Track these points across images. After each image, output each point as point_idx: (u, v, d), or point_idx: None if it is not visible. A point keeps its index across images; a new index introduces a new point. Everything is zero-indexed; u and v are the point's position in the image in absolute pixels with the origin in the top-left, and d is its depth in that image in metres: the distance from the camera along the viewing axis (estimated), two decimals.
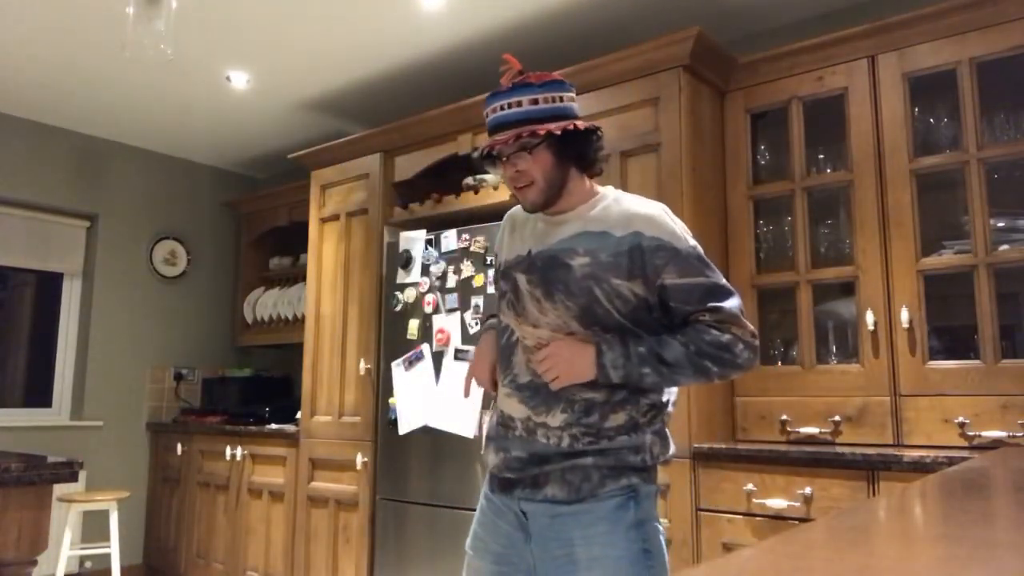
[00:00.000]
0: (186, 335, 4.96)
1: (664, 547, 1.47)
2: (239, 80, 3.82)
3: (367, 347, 3.54)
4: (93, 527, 4.33)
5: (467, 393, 1.68)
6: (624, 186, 2.70)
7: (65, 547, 3.74)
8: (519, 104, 1.46)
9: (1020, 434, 2.18)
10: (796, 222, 2.69)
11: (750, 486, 2.35)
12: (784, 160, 2.77)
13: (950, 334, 2.48)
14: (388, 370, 3.35)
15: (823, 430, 2.51)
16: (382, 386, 3.41)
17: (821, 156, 2.72)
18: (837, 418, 2.49)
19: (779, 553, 0.66)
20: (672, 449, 1.55)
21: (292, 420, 4.13)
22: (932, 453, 2.13)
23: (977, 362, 2.30)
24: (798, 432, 2.55)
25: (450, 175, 3.55)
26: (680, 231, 1.49)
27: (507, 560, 1.51)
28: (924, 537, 0.80)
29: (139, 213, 4.81)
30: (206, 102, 4.12)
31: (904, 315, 2.41)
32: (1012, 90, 2.45)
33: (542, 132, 1.44)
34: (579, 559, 1.42)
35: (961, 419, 2.27)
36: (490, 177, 3.30)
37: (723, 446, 2.44)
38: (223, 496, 4.15)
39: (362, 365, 3.52)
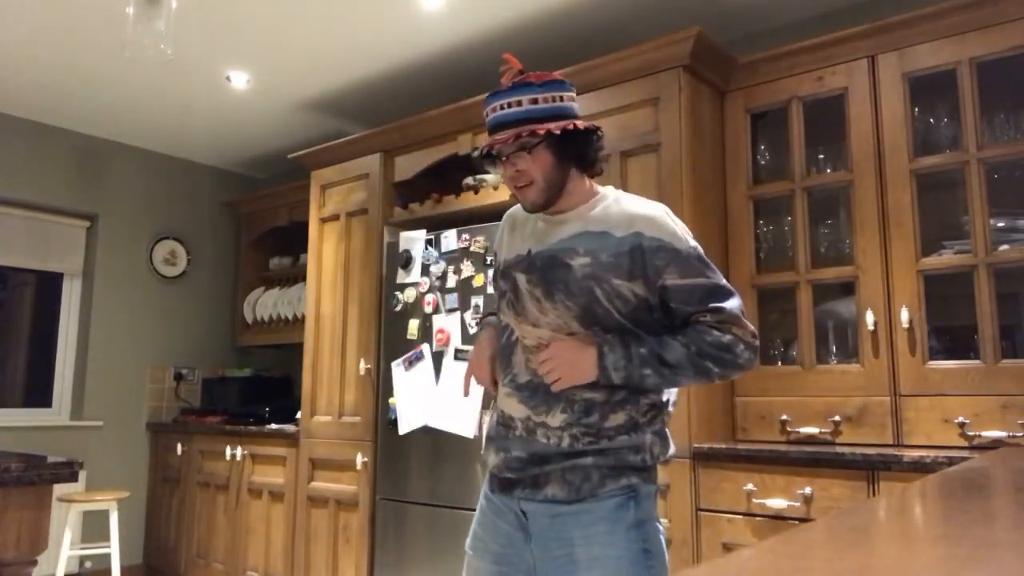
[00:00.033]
0: (186, 335, 4.96)
1: (664, 547, 1.48)
2: (239, 80, 3.82)
3: (367, 347, 3.54)
4: (93, 527, 4.33)
5: (467, 392, 1.68)
6: (624, 186, 2.70)
7: (65, 547, 3.74)
8: (519, 103, 1.46)
9: (1020, 434, 2.18)
10: (796, 222, 2.69)
11: (750, 486, 2.35)
12: (784, 160, 2.77)
13: (950, 334, 2.48)
14: (388, 370, 3.35)
15: (823, 430, 2.51)
16: (382, 386, 3.41)
17: (821, 156, 2.72)
18: (837, 418, 2.49)
19: (779, 553, 0.66)
20: (672, 449, 1.55)
21: (292, 420, 4.13)
22: (932, 453, 2.13)
23: (977, 362, 2.30)
24: (798, 432, 2.55)
25: (450, 175, 3.55)
26: (681, 232, 1.49)
27: (507, 560, 1.51)
28: (924, 537, 0.80)
29: (139, 213, 4.81)
30: (206, 102, 4.12)
31: (904, 315, 2.41)
32: (1012, 90, 2.45)
33: (541, 132, 1.44)
34: (579, 559, 1.42)
35: (961, 419, 2.27)
36: (490, 177, 3.30)
37: (723, 446, 2.44)
38: (223, 496, 4.15)
39: (362, 365, 3.52)
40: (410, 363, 3.26)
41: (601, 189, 1.57)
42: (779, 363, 2.74)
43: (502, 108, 1.47)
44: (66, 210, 4.54)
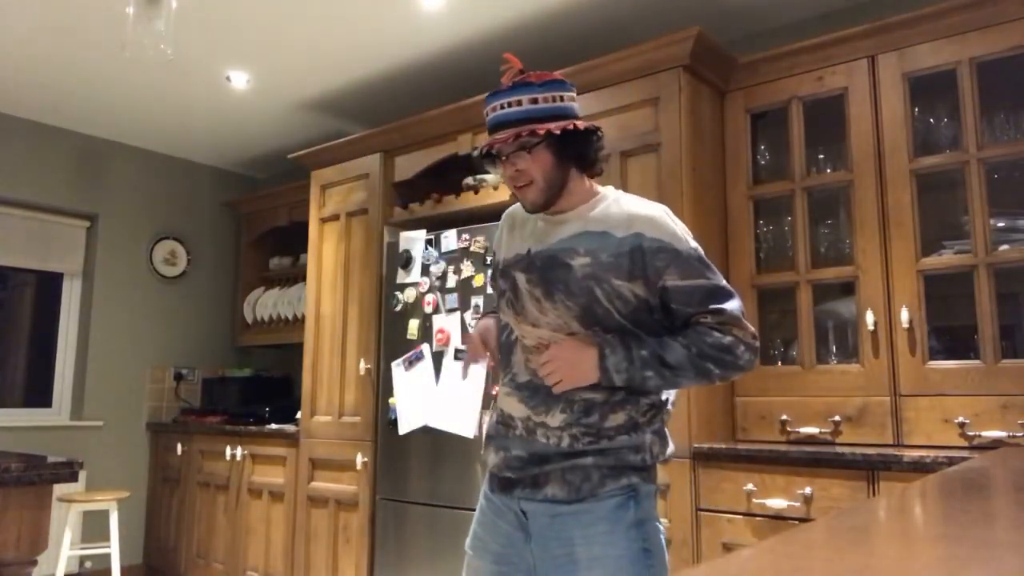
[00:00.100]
0: (186, 335, 4.96)
1: (664, 546, 1.48)
2: (239, 80, 3.82)
3: (367, 347, 3.54)
4: (93, 527, 4.33)
5: (465, 374, 1.68)
6: (624, 186, 2.70)
7: (65, 547, 3.74)
8: (519, 103, 1.46)
9: (1020, 434, 2.18)
10: (796, 222, 2.69)
11: (750, 486, 2.35)
12: (784, 160, 2.77)
13: (950, 334, 2.48)
14: (388, 370, 3.35)
15: (823, 430, 2.51)
16: (382, 386, 3.41)
17: (821, 156, 2.72)
18: (837, 418, 2.49)
19: (779, 553, 0.66)
20: (671, 448, 1.55)
21: (292, 420, 4.13)
22: (932, 453, 2.13)
23: (977, 362, 2.30)
24: (798, 432, 2.55)
25: (450, 175, 3.55)
26: (681, 233, 1.49)
27: (507, 560, 1.51)
28: (924, 537, 0.80)
29: (139, 213, 4.81)
30: (206, 102, 4.12)
31: (904, 315, 2.41)
32: (1012, 90, 2.45)
33: (541, 132, 1.44)
34: (579, 559, 1.42)
35: (961, 419, 2.27)
36: (490, 177, 3.30)
37: (723, 446, 2.44)
38: (223, 496, 4.15)
39: (362, 365, 3.52)
40: (410, 363, 3.26)
41: (601, 189, 1.57)
42: (779, 363, 2.74)
43: (502, 108, 1.47)
44: (66, 210, 4.54)
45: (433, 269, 3.23)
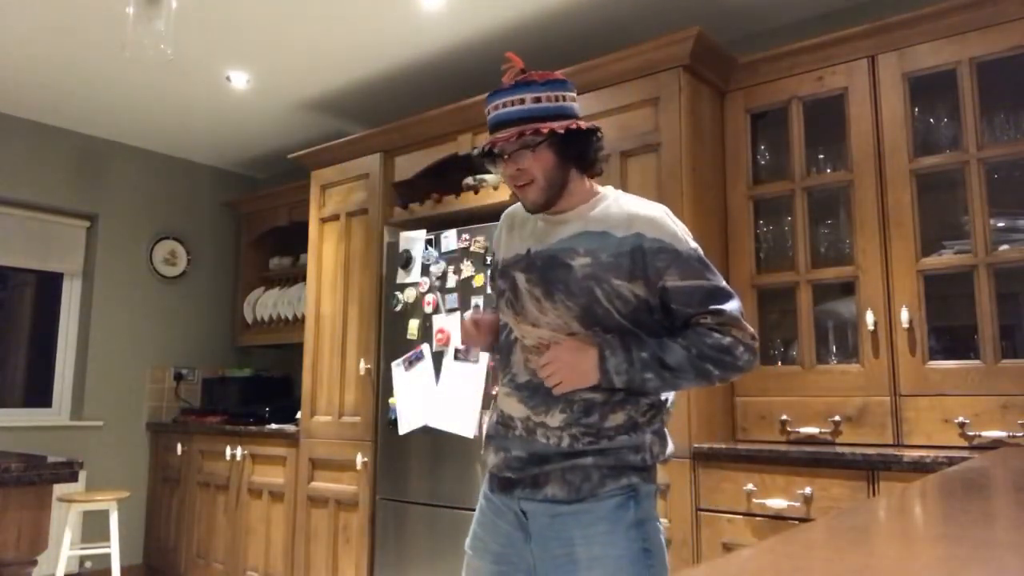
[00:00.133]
0: (186, 335, 4.96)
1: (664, 546, 1.48)
2: (239, 80, 3.82)
3: (367, 347, 3.54)
4: (93, 527, 4.33)
5: (467, 352, 1.69)
6: (624, 186, 2.70)
7: (65, 547, 3.74)
8: (522, 102, 1.45)
9: (1020, 434, 2.18)
10: (796, 222, 2.69)
11: (750, 486, 2.35)
12: (784, 160, 2.77)
13: (950, 334, 2.48)
14: (388, 370, 3.35)
15: (823, 430, 2.51)
16: (382, 386, 3.41)
17: (821, 156, 2.72)
18: (837, 418, 2.49)
19: (779, 553, 0.66)
20: (671, 448, 1.55)
21: (292, 420, 4.13)
22: (932, 453, 2.13)
23: (977, 362, 2.30)
24: (798, 432, 2.55)
25: (450, 175, 3.55)
26: (681, 233, 1.49)
27: (507, 560, 1.51)
28: (924, 537, 0.80)
29: (139, 213, 4.81)
30: (206, 102, 4.12)
31: (904, 315, 2.41)
32: (1012, 90, 2.45)
33: (544, 130, 1.44)
34: (579, 558, 1.42)
35: (961, 419, 2.27)
36: (490, 177, 3.30)
37: (723, 446, 2.44)
38: (223, 496, 4.15)
39: (362, 365, 3.52)
40: (410, 363, 3.26)
41: (601, 189, 1.57)
42: (779, 363, 2.74)
43: (504, 106, 1.46)
44: (66, 210, 4.54)
45: (433, 269, 3.23)
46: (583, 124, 1.47)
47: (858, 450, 2.24)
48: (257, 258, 5.07)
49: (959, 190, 2.44)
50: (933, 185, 2.53)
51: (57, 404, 4.53)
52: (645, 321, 1.48)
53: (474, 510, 1.65)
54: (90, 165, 4.61)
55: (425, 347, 3.21)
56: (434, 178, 3.61)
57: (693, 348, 1.43)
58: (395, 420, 3.27)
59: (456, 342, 3.10)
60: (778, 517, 2.28)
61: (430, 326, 3.21)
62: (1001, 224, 2.38)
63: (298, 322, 4.51)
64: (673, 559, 2.43)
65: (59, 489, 3.94)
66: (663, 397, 1.53)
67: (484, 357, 2.98)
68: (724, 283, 1.48)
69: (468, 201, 3.34)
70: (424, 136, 3.52)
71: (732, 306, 1.46)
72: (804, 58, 2.69)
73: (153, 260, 4.84)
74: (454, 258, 3.17)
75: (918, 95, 2.54)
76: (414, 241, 3.34)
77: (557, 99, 1.47)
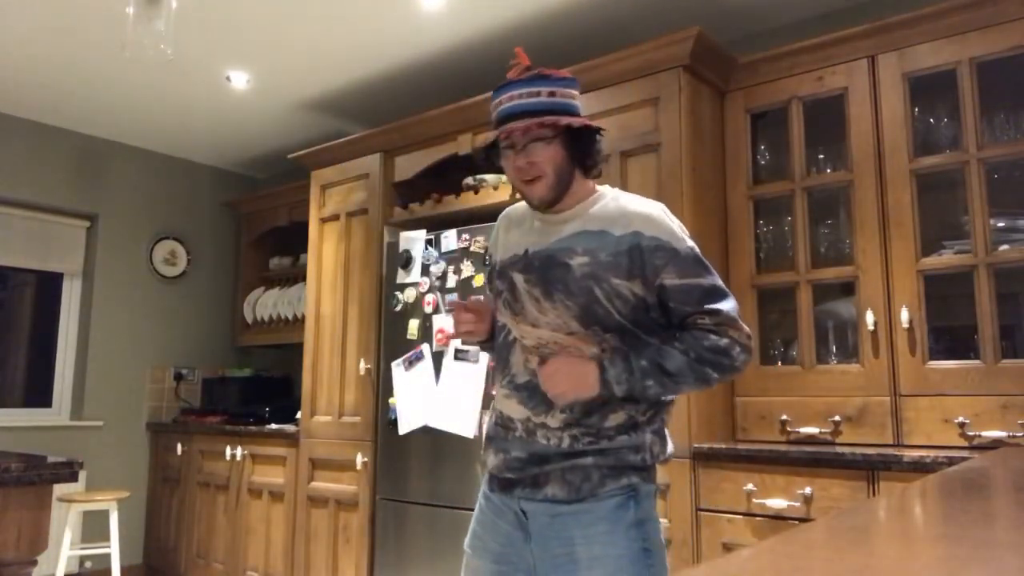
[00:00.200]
0: (186, 335, 4.96)
1: (664, 546, 1.48)
2: (239, 80, 3.82)
3: (367, 347, 3.54)
4: (93, 527, 4.33)
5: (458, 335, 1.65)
6: (624, 186, 2.70)
7: (65, 547, 3.74)
8: (538, 95, 1.45)
9: (1020, 434, 2.18)
10: (796, 222, 2.69)
11: (750, 486, 2.35)
12: (784, 160, 2.77)
13: (950, 334, 2.48)
14: (388, 370, 3.35)
15: (823, 430, 2.51)
16: (382, 386, 3.41)
17: (821, 156, 2.72)
18: (837, 418, 2.49)
19: (779, 553, 0.66)
20: (671, 448, 1.55)
21: (292, 420, 4.13)
22: (932, 453, 2.13)
23: (977, 362, 2.30)
24: (798, 432, 2.55)
25: (450, 175, 3.55)
26: (679, 231, 1.49)
27: (507, 559, 1.51)
28: (924, 537, 0.80)
29: (139, 213, 4.81)
30: (206, 102, 4.12)
31: (904, 315, 2.41)
32: (1012, 90, 2.45)
33: (563, 124, 1.43)
34: (580, 558, 1.42)
35: (961, 419, 2.27)
36: (490, 177, 3.29)
37: (723, 446, 2.44)
38: (223, 496, 4.15)
39: (362, 365, 3.52)
40: (410, 363, 3.26)
41: (599, 188, 1.57)
42: (779, 363, 2.74)
43: (520, 97, 1.45)
44: (66, 210, 4.54)
45: (433, 269, 3.23)
46: (594, 124, 1.47)
47: (858, 450, 2.24)
48: (257, 258, 5.07)
49: (959, 190, 2.44)
50: (933, 185, 2.53)
51: (57, 404, 4.53)
52: (643, 320, 1.48)
53: (474, 510, 1.65)
54: (90, 165, 4.61)
55: (425, 347, 3.21)
56: (434, 178, 3.61)
57: (692, 352, 1.43)
58: (395, 420, 3.27)
59: (456, 342, 3.10)
60: (778, 517, 2.28)
61: (430, 326, 3.21)
62: (1001, 224, 2.38)
63: (298, 322, 4.51)
64: (673, 559, 2.43)
65: (59, 489, 3.93)
66: (664, 397, 1.53)
67: (484, 357, 2.97)
68: (720, 282, 1.49)
69: (468, 201, 3.34)
70: (424, 136, 3.52)
71: (728, 306, 1.46)
72: (804, 58, 2.69)
73: (153, 260, 4.84)
74: (454, 258, 3.17)
75: (918, 95, 2.54)
76: (414, 241, 3.34)
77: (568, 97, 1.48)
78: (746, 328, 1.48)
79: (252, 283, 5.02)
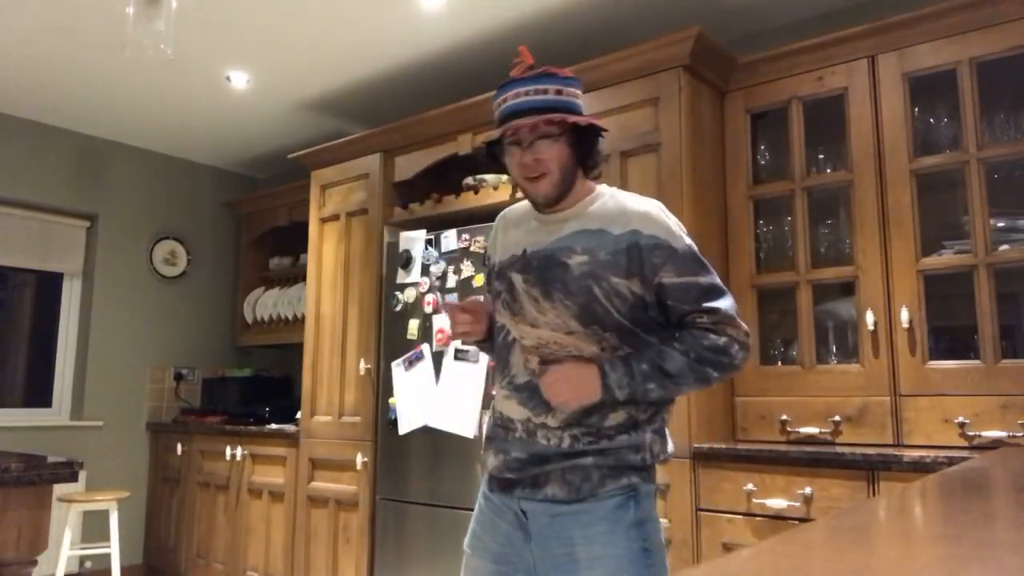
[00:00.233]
0: (186, 335, 4.96)
1: (663, 546, 1.48)
2: (239, 80, 3.82)
3: (367, 347, 3.54)
4: (93, 527, 4.33)
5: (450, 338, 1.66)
6: (624, 186, 2.70)
7: (65, 547, 3.74)
8: (545, 92, 1.45)
9: (1020, 434, 2.18)
10: (796, 222, 2.69)
11: (750, 486, 2.35)
12: (784, 160, 2.77)
13: (950, 334, 2.48)
14: (388, 370, 3.35)
15: (823, 430, 2.51)
16: (382, 386, 3.41)
17: (821, 156, 2.72)
18: (837, 418, 2.49)
19: (779, 553, 0.66)
20: (671, 447, 1.55)
21: (292, 420, 4.13)
22: (932, 453, 2.13)
23: (977, 362, 2.30)
24: (798, 432, 2.55)
25: (450, 175, 3.55)
26: (676, 229, 1.49)
27: (506, 559, 1.51)
28: (924, 537, 0.80)
29: (139, 213, 4.81)
30: (206, 102, 4.12)
31: (904, 315, 2.41)
32: (1012, 90, 2.45)
33: (571, 122, 1.44)
34: (580, 558, 1.42)
35: (961, 419, 2.27)
36: (490, 177, 3.30)
37: (723, 446, 2.44)
38: (223, 496, 4.15)
39: (362, 365, 3.52)
40: (410, 363, 3.26)
41: (596, 187, 1.57)
42: (779, 363, 2.74)
43: (528, 94, 1.45)
44: (66, 210, 4.54)
45: (433, 269, 3.23)
46: (599, 123, 1.48)
47: (858, 450, 2.24)
48: (257, 258, 5.07)
49: (959, 190, 2.44)
50: (933, 185, 2.53)
51: (57, 404, 4.53)
52: (642, 319, 1.48)
53: (474, 510, 1.65)
54: (90, 165, 4.61)
55: (425, 347, 3.21)
56: (434, 178, 3.61)
57: (692, 352, 1.43)
58: (395, 420, 3.27)
59: (456, 342, 3.10)
60: (778, 517, 2.28)
61: (430, 326, 3.21)
62: (1001, 224, 2.38)
63: (298, 322, 4.51)
64: (673, 559, 2.43)
65: (59, 489, 3.93)
66: None
67: (484, 357, 2.97)
68: (718, 280, 1.49)
69: (468, 201, 3.34)
70: (424, 136, 3.52)
71: (726, 304, 1.47)
72: (804, 58, 2.69)
73: (153, 260, 4.84)
74: (454, 258, 3.17)
75: (918, 95, 2.54)
76: (414, 241, 3.34)
77: (573, 96, 1.48)
78: (744, 326, 1.48)
79: (252, 283, 5.02)
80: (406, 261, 3.34)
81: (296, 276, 4.77)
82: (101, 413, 4.52)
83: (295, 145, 4.69)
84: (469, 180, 3.37)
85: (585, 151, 1.50)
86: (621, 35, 3.30)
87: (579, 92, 1.50)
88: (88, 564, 4.33)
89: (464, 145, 3.37)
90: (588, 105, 2.74)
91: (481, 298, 1.68)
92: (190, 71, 3.73)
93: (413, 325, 3.27)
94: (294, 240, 4.78)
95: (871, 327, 2.46)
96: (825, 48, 2.65)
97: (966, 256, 2.36)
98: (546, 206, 1.52)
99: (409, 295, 3.31)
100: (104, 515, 4.25)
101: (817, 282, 2.64)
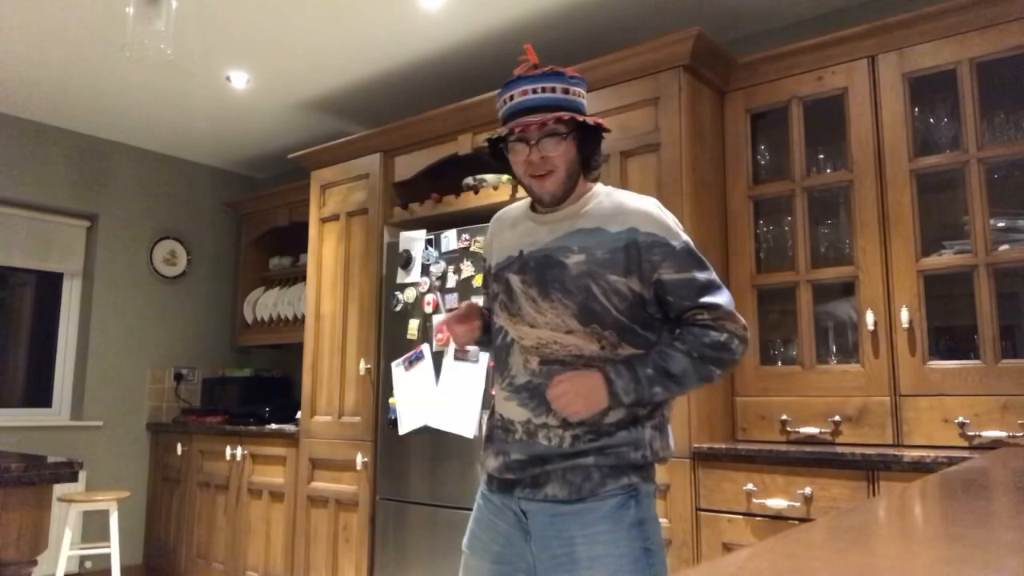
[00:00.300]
0: (186, 335, 4.96)
1: (663, 545, 1.48)
2: (239, 80, 3.82)
3: (367, 347, 3.54)
4: (93, 527, 4.33)
5: (442, 339, 1.67)
6: (624, 186, 2.70)
7: (65, 547, 3.74)
8: (553, 90, 1.46)
9: (1020, 434, 2.18)
10: (796, 222, 2.69)
11: (750, 486, 2.35)
12: (784, 160, 2.77)
13: (950, 334, 2.48)
14: (388, 370, 3.35)
15: (823, 430, 2.51)
16: (382, 386, 3.41)
17: (821, 156, 2.72)
18: (837, 418, 2.49)
19: (779, 553, 0.66)
20: (672, 445, 1.55)
21: (292, 420, 4.13)
22: (932, 453, 2.13)
23: (977, 362, 2.30)
24: (798, 432, 2.55)
25: (450, 175, 3.55)
26: (673, 226, 1.50)
27: (506, 559, 1.51)
28: (924, 537, 0.80)
29: (139, 213, 4.81)
30: (206, 102, 4.12)
31: (904, 315, 2.41)
32: (1012, 90, 2.45)
33: (580, 120, 1.44)
34: (580, 558, 1.42)
35: (961, 419, 2.27)
36: (490, 177, 3.30)
37: (723, 446, 2.44)
38: (223, 496, 4.15)
39: (362, 365, 3.52)
40: (410, 363, 3.26)
41: (591, 186, 1.58)
42: (779, 363, 2.74)
43: (536, 92, 1.45)
44: (66, 210, 4.54)
45: (433, 269, 3.23)
46: (604, 124, 1.49)
47: (858, 450, 2.24)
48: (257, 258, 5.07)
49: (959, 190, 2.44)
50: (933, 185, 2.53)
51: (57, 404, 4.53)
52: (640, 316, 1.48)
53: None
54: (90, 165, 4.61)
55: (425, 347, 3.21)
56: (434, 178, 3.61)
57: (694, 352, 1.44)
58: (395, 420, 3.27)
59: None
60: (778, 517, 2.28)
61: (430, 326, 3.21)
62: (1001, 224, 2.38)
63: (298, 322, 4.51)
64: (673, 559, 2.44)
65: (59, 489, 3.94)
66: None
67: (484, 357, 2.98)
68: (715, 275, 1.50)
69: (468, 201, 3.34)
70: (424, 136, 3.52)
71: (724, 299, 1.48)
72: (804, 58, 2.69)
73: (153, 260, 4.84)
74: (454, 258, 3.17)
75: (918, 95, 2.54)
76: (414, 241, 3.34)
77: (578, 95, 1.49)
78: (742, 319, 1.50)
79: (252, 283, 5.02)
80: (406, 261, 3.34)
81: (296, 276, 4.77)
82: (101, 413, 4.53)
83: (295, 145, 4.69)
84: (469, 180, 3.37)
85: (590, 151, 1.51)
86: (621, 35, 3.30)
87: (584, 92, 1.51)
88: (88, 564, 4.33)
89: (464, 145, 3.37)
90: (589, 105, 2.75)
91: (466, 303, 1.68)
92: (190, 71, 3.73)
93: (413, 325, 3.27)
94: (294, 240, 4.78)
95: (871, 327, 2.46)
96: (825, 48, 2.65)
97: (966, 256, 2.36)
98: (550, 204, 1.52)
99: (409, 295, 3.31)
100: (104, 515, 4.25)
101: (817, 282, 2.64)
